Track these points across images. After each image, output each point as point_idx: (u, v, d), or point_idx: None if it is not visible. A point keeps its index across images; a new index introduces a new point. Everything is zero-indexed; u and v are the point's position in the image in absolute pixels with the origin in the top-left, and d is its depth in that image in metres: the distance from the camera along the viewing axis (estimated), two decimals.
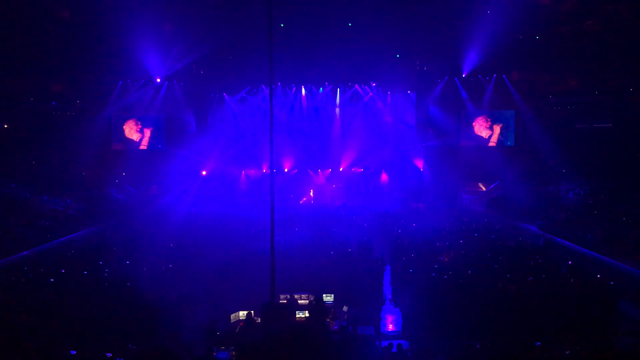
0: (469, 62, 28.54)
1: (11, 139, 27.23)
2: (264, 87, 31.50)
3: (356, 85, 32.35)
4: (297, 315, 12.56)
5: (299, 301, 13.66)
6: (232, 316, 12.82)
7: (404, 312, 13.90)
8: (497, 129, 30.46)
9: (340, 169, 32.80)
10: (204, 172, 31.38)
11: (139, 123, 31.00)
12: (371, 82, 31.92)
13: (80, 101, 30.11)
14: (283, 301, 13.33)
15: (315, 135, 32.58)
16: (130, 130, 30.95)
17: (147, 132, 31.15)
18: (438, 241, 18.99)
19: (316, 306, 12.27)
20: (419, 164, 31.58)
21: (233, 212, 25.66)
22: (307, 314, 12.43)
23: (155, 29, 27.00)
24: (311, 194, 32.10)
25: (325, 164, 32.70)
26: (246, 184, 32.07)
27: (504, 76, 29.39)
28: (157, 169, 28.66)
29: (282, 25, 25.96)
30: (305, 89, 32.72)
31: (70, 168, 27.83)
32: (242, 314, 12.75)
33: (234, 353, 10.24)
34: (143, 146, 31.08)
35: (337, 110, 32.86)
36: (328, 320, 12.40)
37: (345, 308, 13.32)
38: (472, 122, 30.65)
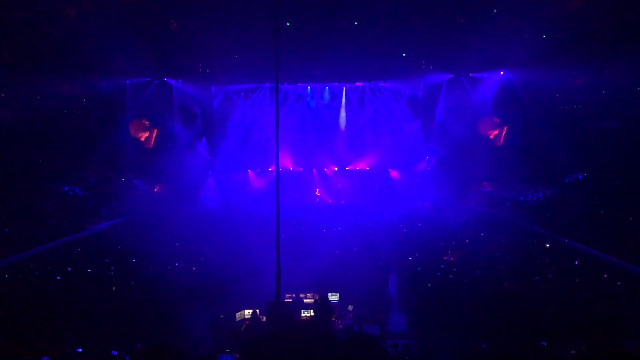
0: (476, 61, 28.40)
1: (16, 138, 27.33)
2: (269, 85, 31.53)
3: (362, 84, 32.35)
4: (302, 314, 12.57)
5: (304, 300, 13.69)
6: (238, 315, 12.86)
7: (410, 311, 13.90)
8: (503, 128, 30.33)
9: (347, 168, 32.83)
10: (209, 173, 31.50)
11: (146, 122, 31.06)
12: (377, 81, 31.89)
13: (87, 100, 30.21)
14: (288, 300, 13.34)
15: (321, 134, 32.60)
16: (137, 129, 31.01)
17: (154, 131, 31.21)
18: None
19: (321, 305, 12.28)
20: (425, 163, 31.53)
21: (239, 211, 25.73)
22: (312, 313, 12.43)
23: (162, 28, 27.07)
24: (317, 192, 32.14)
25: (331, 162, 32.73)
26: (253, 183, 32.14)
27: (510, 75, 29.24)
28: (163, 168, 28.69)
29: (287, 24, 25.96)
30: (311, 88, 32.76)
31: (77, 166, 27.93)
32: (248, 312, 12.78)
33: (238, 356, 10.25)
34: (149, 145, 31.14)
35: (343, 108, 32.87)
36: (333, 319, 12.41)
37: (350, 307, 13.33)
38: (479, 121, 30.52)
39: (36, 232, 20.53)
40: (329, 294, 13.47)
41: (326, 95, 33.06)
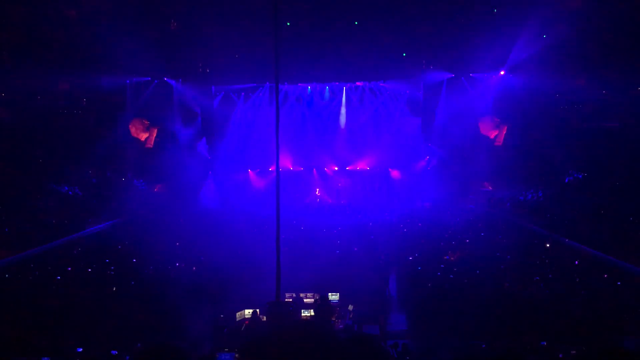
0: (476, 61, 28.38)
1: (16, 137, 27.32)
2: (269, 85, 31.51)
3: (362, 84, 32.34)
4: (302, 314, 12.57)
5: (305, 300, 13.68)
6: (238, 314, 12.86)
7: (410, 311, 13.91)
8: (503, 128, 30.30)
9: (347, 168, 32.83)
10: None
11: (146, 122, 31.04)
12: (377, 81, 31.88)
13: (87, 100, 30.18)
14: (288, 300, 13.34)
15: (321, 133, 32.59)
16: (137, 129, 30.97)
17: (154, 131, 31.18)
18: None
19: (321, 305, 12.27)
20: (425, 162, 31.52)
21: (240, 211, 25.73)
22: (312, 313, 12.44)
23: (162, 27, 27.08)
24: (317, 192, 32.14)
25: (331, 162, 32.73)
26: (253, 183, 32.14)
27: (510, 75, 29.21)
28: (163, 168, 28.69)
29: (288, 23, 25.96)
30: (311, 87, 32.75)
31: (77, 166, 27.93)
32: (248, 312, 12.78)
33: (237, 355, 10.25)
34: (149, 145, 31.11)
35: (343, 107, 32.88)
36: (333, 319, 12.41)
37: (350, 307, 13.32)
38: (479, 121, 30.48)
39: (36, 232, 20.51)
40: (329, 294, 13.48)
41: (326, 94, 33.07)
